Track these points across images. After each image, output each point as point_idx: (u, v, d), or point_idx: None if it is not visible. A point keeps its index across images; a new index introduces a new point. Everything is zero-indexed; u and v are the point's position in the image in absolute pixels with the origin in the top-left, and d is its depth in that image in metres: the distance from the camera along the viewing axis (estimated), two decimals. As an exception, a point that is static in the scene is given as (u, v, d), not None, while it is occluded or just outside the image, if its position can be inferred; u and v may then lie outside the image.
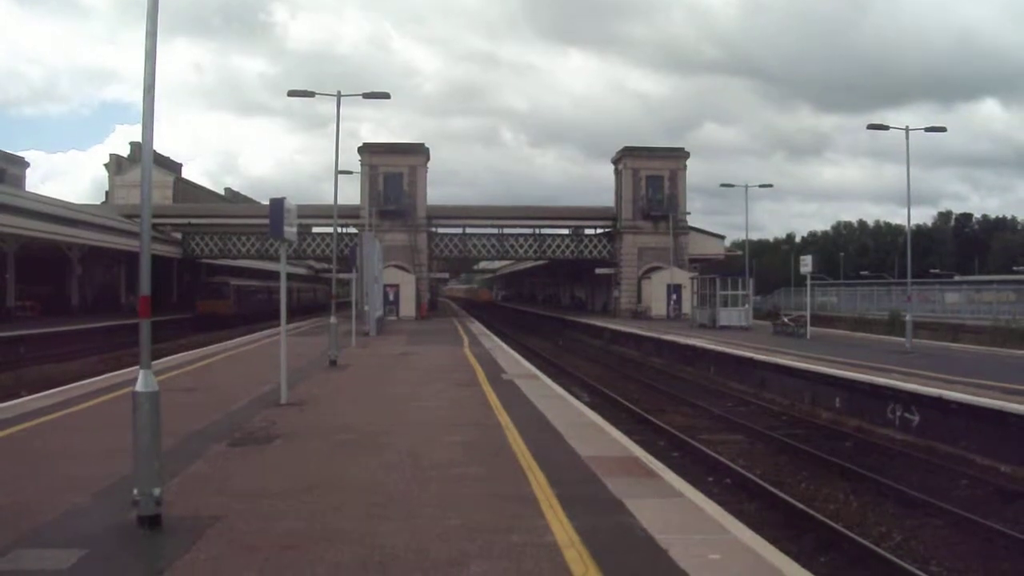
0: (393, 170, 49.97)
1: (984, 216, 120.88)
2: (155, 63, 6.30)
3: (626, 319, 46.05)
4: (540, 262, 61.46)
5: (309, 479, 7.48)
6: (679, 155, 51.96)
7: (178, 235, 52.07)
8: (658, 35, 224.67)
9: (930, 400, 14.28)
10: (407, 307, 46.82)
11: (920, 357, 21.61)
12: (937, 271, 75.38)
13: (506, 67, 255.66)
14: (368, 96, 24.26)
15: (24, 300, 39.89)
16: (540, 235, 53.18)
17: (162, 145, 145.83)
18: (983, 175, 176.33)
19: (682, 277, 47.35)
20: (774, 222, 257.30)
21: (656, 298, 48.40)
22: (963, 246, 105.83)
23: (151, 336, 6.18)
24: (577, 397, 15.98)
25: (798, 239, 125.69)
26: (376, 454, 8.73)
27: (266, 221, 11.95)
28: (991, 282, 49.30)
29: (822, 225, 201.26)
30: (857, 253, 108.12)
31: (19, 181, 58.89)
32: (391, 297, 44.27)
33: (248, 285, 54.26)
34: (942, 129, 28.68)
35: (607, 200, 54.93)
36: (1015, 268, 67.96)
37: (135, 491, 5.81)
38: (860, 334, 34.41)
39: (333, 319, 19.88)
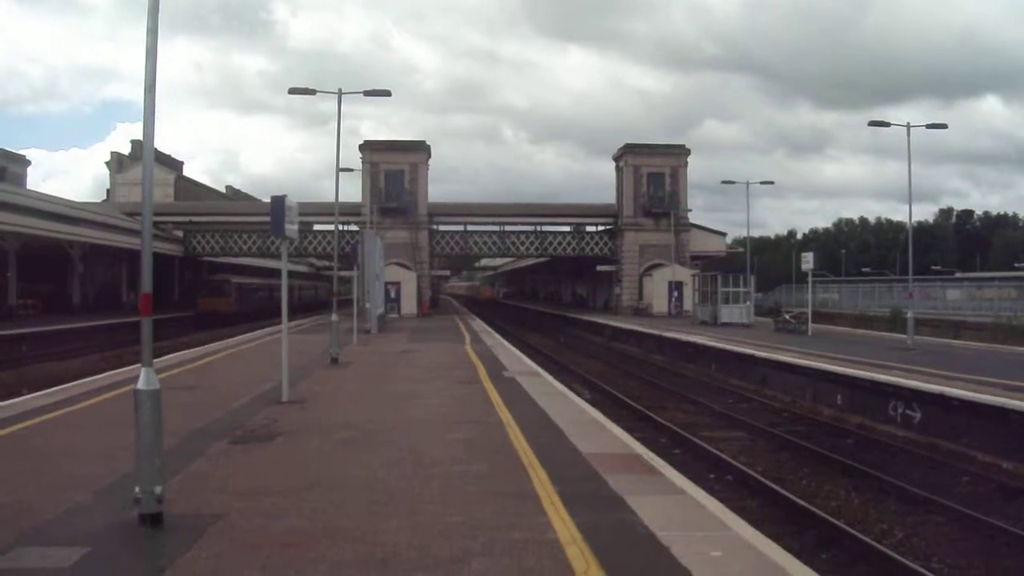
0: (394, 167, 49.92)
1: (985, 213, 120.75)
2: (156, 61, 6.29)
3: (627, 316, 46.03)
4: (541, 259, 61.37)
5: (310, 477, 7.48)
6: (680, 152, 51.89)
7: (179, 233, 52.01)
8: (658, 32, 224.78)
9: (932, 397, 14.29)
10: (408, 304, 46.81)
11: (921, 354, 21.61)
12: (938, 268, 75.21)
13: (506, 64, 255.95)
14: (369, 94, 24.26)
15: (26, 298, 40.02)
16: (541, 232, 53.06)
17: (163, 143, 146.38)
18: (984, 172, 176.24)
19: (683, 274, 47.30)
20: (775, 219, 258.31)
21: (657, 295, 48.44)
22: (964, 243, 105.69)
23: (152, 334, 6.18)
24: (578, 394, 15.98)
25: (799, 236, 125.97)
26: (377, 452, 8.73)
27: (267, 219, 11.93)
28: (992, 279, 49.18)
29: (823, 222, 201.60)
30: (858, 250, 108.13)
31: (20, 179, 58.97)
32: (392, 294, 44.26)
33: (249, 283, 54.25)
34: (943, 126, 28.77)
35: (608, 197, 54.93)
36: (1016, 265, 67.73)
37: (137, 489, 5.81)
38: (861, 331, 34.42)
39: (334, 317, 19.91)
